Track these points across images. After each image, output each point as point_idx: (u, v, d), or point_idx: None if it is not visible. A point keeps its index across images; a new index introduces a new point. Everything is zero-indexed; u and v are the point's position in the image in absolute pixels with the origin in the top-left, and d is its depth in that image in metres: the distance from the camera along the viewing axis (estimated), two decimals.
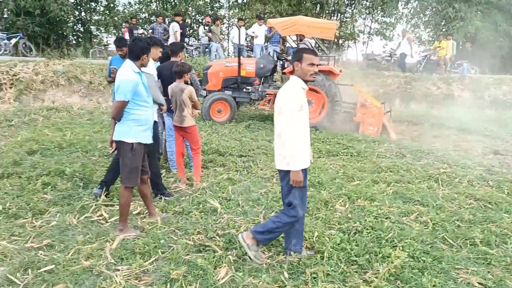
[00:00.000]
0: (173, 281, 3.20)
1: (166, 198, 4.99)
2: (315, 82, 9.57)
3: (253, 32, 14.29)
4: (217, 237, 3.90)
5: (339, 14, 22.51)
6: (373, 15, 23.10)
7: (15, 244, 3.76)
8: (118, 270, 3.35)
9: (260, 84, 10.26)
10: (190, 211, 4.56)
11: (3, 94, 11.15)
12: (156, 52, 5.34)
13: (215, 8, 21.72)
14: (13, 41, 15.20)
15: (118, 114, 3.86)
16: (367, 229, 4.26)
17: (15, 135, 8.09)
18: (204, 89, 10.08)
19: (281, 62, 11.42)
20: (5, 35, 15.26)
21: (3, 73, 11.52)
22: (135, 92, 3.84)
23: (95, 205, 4.67)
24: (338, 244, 3.85)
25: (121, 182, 3.99)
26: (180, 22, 14.03)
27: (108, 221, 4.32)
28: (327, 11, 21.90)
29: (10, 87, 11.37)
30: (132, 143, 3.89)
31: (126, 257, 3.52)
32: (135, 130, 3.92)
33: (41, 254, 3.57)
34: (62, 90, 11.79)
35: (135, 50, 3.91)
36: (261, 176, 5.97)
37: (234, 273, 3.31)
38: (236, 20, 16.15)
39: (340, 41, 22.55)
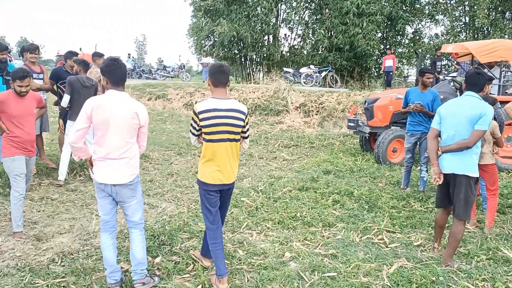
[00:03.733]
0: None
1: None
2: None
3: None
4: None
5: None
6: None
7: (306, 247, 4.37)
8: None
9: None
10: (476, 255, 4.17)
11: (309, 119, 13.01)
12: None
13: None
14: (323, 74, 17.56)
15: (475, 143, 3.84)
16: None
17: (314, 155, 9.30)
18: (367, 125, 8.96)
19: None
20: (317, 68, 17.79)
21: (312, 102, 13.47)
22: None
23: (377, 228, 4.88)
24: None
25: (459, 216, 3.87)
26: None
27: (388, 246, 4.44)
28: None
29: (316, 114, 13.17)
30: (476, 178, 3.88)
31: (402, 284, 3.55)
32: (476, 164, 3.89)
33: (326, 260, 4.03)
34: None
35: (481, 82, 3.99)
36: None
37: None
38: None
39: None
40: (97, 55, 8.31)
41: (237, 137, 3.43)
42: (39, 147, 6.67)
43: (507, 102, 7.05)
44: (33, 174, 6.21)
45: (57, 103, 7.18)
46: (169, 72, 23.50)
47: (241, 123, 3.40)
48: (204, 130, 3.36)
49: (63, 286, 3.52)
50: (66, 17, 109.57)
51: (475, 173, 3.83)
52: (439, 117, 4.03)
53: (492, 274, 3.72)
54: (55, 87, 7.02)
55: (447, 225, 4.38)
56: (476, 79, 3.97)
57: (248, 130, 3.55)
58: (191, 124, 3.46)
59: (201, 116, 3.32)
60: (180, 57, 49.84)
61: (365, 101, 9.20)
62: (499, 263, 4.03)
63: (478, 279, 3.64)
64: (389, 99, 8.73)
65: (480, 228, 5.07)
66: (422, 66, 12.94)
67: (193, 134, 3.49)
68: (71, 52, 7.45)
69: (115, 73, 3.28)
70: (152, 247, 4.17)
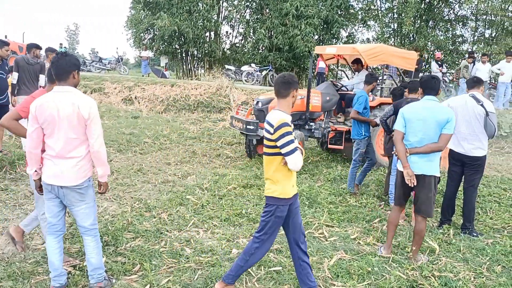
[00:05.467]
0: None
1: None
2: None
3: (499, 69, 13.05)
4: (432, 278, 3.82)
5: None
6: None
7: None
8: (334, 285, 3.68)
9: (324, 119, 8.66)
10: (406, 246, 4.57)
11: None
12: None
13: (457, 43, 20.60)
14: (264, 72, 17.88)
15: (445, 146, 4.12)
16: None
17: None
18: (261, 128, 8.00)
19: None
20: (258, 67, 18.07)
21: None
22: None
23: (318, 223, 5.16)
24: None
25: (425, 213, 4.15)
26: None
27: (328, 239, 4.72)
28: None
29: None
30: (438, 177, 4.21)
31: (342, 275, 3.83)
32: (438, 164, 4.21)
33: (271, 255, 4.22)
34: None
35: (436, 86, 4.26)
36: (490, 226, 5.45)
37: None
38: (480, 55, 14.91)
39: None
40: (50, 50, 8.33)
41: (268, 150, 3.20)
42: None
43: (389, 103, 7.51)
44: None
45: None
46: (105, 64, 22.63)
47: (268, 135, 3.14)
48: None
49: None
50: (66, 17, 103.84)
51: (439, 173, 4.19)
52: (404, 120, 4.21)
53: (420, 264, 4.10)
54: None
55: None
56: (432, 83, 4.24)
57: (284, 146, 3.07)
58: None
59: None
60: (118, 50, 47.92)
61: (257, 102, 8.39)
62: (425, 253, 4.44)
63: (408, 268, 4.00)
64: None
65: (408, 221, 5.52)
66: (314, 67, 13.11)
67: None
68: (2, 41, 7.15)
69: (54, 67, 3.16)
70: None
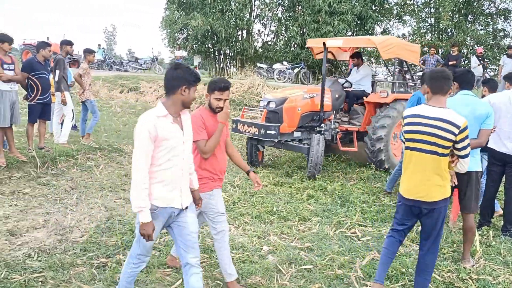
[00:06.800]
0: None
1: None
2: None
3: None
4: (470, 280, 3.70)
5: None
6: None
7: (283, 241, 4.52)
8: (366, 285, 3.61)
9: (333, 119, 7.84)
10: (442, 247, 4.43)
11: None
12: None
13: (498, 38, 19.81)
14: (296, 70, 17.78)
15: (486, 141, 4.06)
16: None
17: (288, 150, 9.45)
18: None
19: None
20: (290, 65, 17.99)
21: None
22: None
23: (350, 222, 5.09)
24: None
25: (470, 210, 4.07)
26: (455, 53, 13.52)
27: (360, 239, 4.65)
28: None
29: None
30: (481, 171, 4.10)
31: (374, 276, 3.74)
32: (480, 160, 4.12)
33: (302, 253, 4.20)
34: None
35: (473, 80, 4.19)
36: None
37: None
38: None
39: None
40: (87, 51, 8.53)
41: (443, 151, 3.02)
42: (9, 140, 6.62)
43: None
44: (3, 167, 6.20)
45: (26, 97, 7.03)
46: (141, 64, 23.18)
47: (449, 136, 2.98)
48: (405, 135, 3.19)
49: (41, 281, 3.51)
50: (66, 17, 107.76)
51: (480, 168, 4.05)
52: None
53: (456, 266, 3.98)
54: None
55: None
56: (469, 77, 4.15)
57: (466, 148, 3.02)
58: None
59: (405, 121, 3.20)
60: (153, 50, 48.90)
61: (268, 102, 7.36)
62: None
63: (444, 270, 3.89)
64: (297, 99, 7.40)
65: (445, 222, 5.34)
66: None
67: (401, 140, 3.32)
68: (45, 42, 7.39)
69: (164, 79, 2.77)
70: (131, 241, 4.21)
